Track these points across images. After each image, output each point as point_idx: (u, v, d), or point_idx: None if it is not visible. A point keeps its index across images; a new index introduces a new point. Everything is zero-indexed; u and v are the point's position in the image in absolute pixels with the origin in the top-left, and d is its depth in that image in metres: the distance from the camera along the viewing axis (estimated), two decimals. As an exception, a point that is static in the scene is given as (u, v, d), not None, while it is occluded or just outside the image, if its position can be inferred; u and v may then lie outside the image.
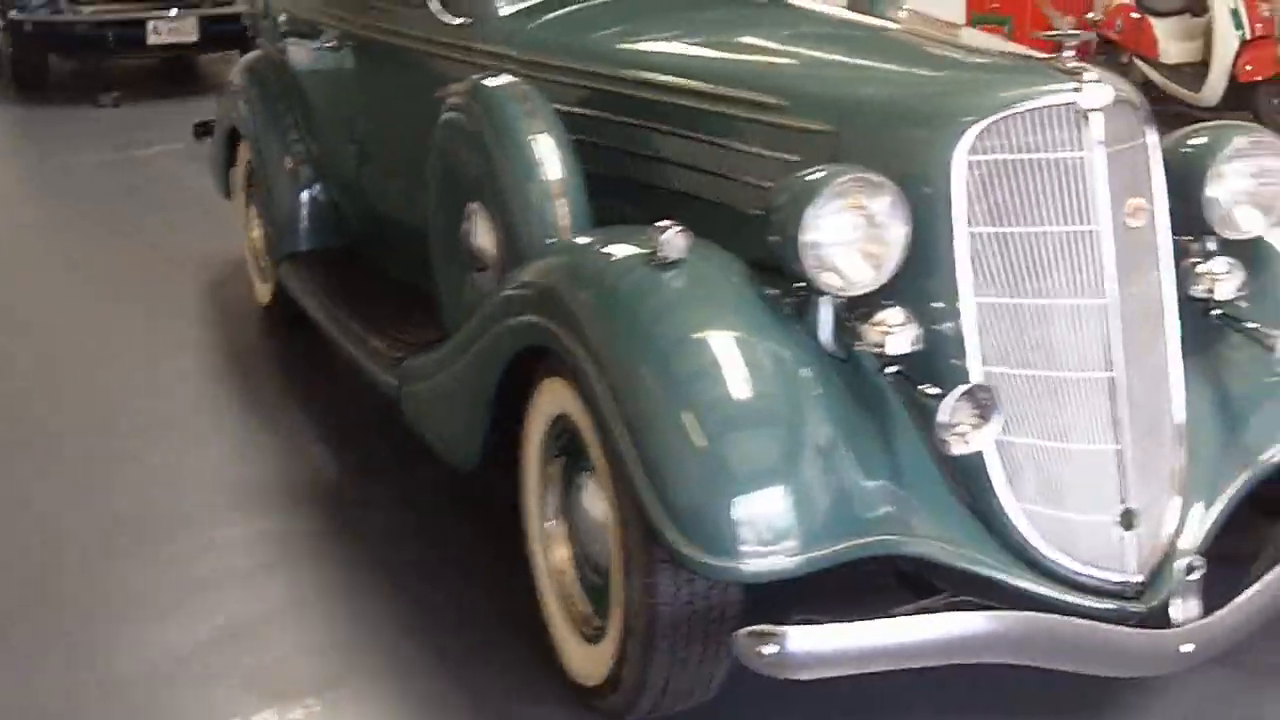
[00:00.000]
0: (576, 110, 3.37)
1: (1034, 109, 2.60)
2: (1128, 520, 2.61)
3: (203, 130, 5.77)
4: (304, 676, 3.02)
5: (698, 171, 3.13)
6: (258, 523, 3.71)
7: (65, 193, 7.54)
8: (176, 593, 3.37)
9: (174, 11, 9.37)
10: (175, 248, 6.17)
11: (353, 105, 4.44)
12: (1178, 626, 2.54)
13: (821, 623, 2.38)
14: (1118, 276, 2.62)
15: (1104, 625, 2.53)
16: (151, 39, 9.38)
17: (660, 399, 2.48)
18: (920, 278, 2.63)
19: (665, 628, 2.54)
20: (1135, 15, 8.28)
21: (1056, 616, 2.51)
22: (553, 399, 2.82)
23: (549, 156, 3.10)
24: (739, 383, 2.49)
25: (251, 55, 5.24)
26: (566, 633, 2.90)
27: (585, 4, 3.66)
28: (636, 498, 2.47)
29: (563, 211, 3.06)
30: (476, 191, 3.27)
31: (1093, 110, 2.60)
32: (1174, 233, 2.98)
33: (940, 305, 2.63)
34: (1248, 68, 7.60)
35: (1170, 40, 8.13)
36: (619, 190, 3.29)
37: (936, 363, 2.61)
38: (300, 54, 4.81)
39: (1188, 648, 2.54)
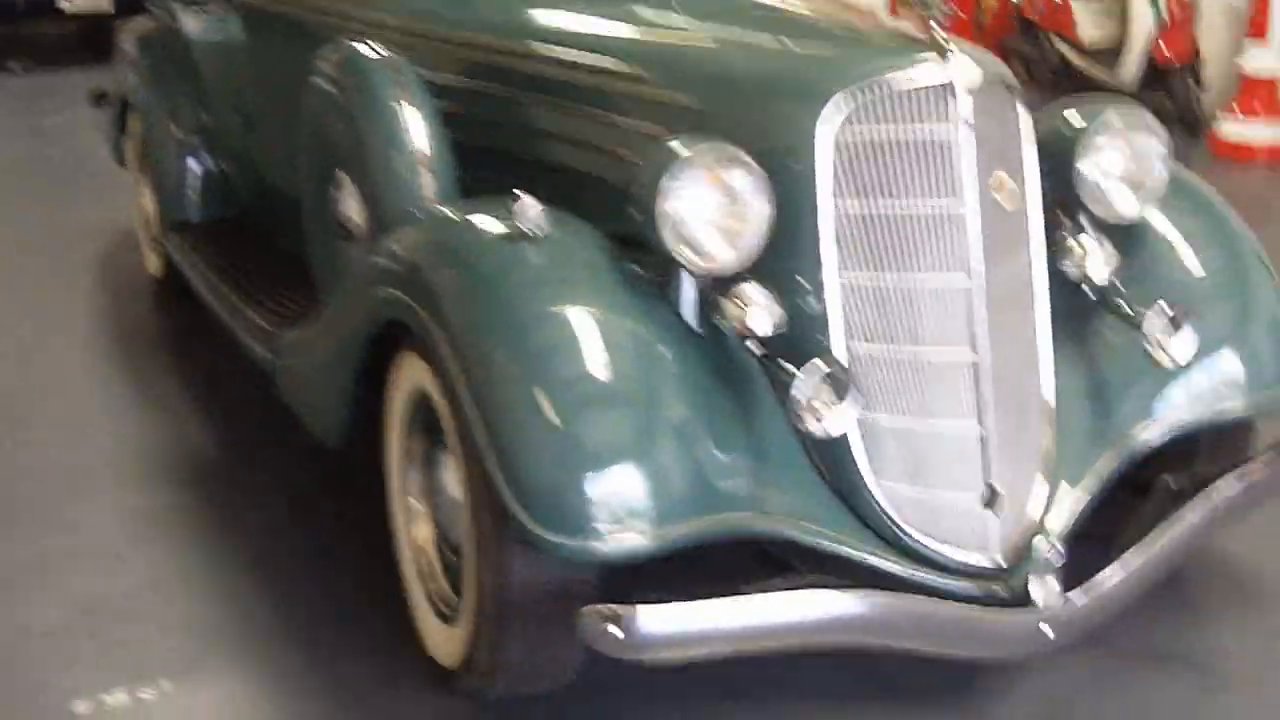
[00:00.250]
0: (453, 80, 3.30)
1: (900, 85, 2.56)
2: (991, 500, 2.59)
3: (100, 98, 5.63)
4: (160, 656, 2.95)
5: (571, 144, 3.07)
6: (128, 499, 3.63)
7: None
8: (34, 569, 3.29)
9: (87, -23, 9.19)
10: (73, 217, 6.05)
11: (239, 74, 4.35)
12: (1038, 608, 2.52)
13: (670, 602, 2.34)
14: (984, 256, 2.59)
15: (962, 606, 2.52)
16: (64, 4, 9.18)
17: (511, 376, 2.42)
18: (785, 255, 2.59)
19: (518, 609, 2.49)
20: (1055, -4, 8.29)
21: (914, 597, 2.50)
22: (411, 374, 2.76)
23: (415, 127, 3.03)
24: (593, 360, 2.44)
25: (142, 23, 5.11)
26: (426, 613, 2.84)
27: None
28: (488, 476, 2.41)
29: (428, 182, 2.99)
30: (344, 161, 3.20)
31: (960, 87, 2.56)
32: (1048, 211, 2.97)
33: (805, 283, 2.59)
34: (1165, 50, 7.61)
35: (1089, 22, 8.13)
36: (496, 162, 3.22)
37: (802, 341, 2.57)
38: (189, 21, 4.70)
39: (1048, 629, 2.53)
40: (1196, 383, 2.90)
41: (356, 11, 3.58)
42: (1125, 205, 2.94)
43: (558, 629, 2.52)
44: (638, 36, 3.08)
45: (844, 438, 2.55)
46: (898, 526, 2.57)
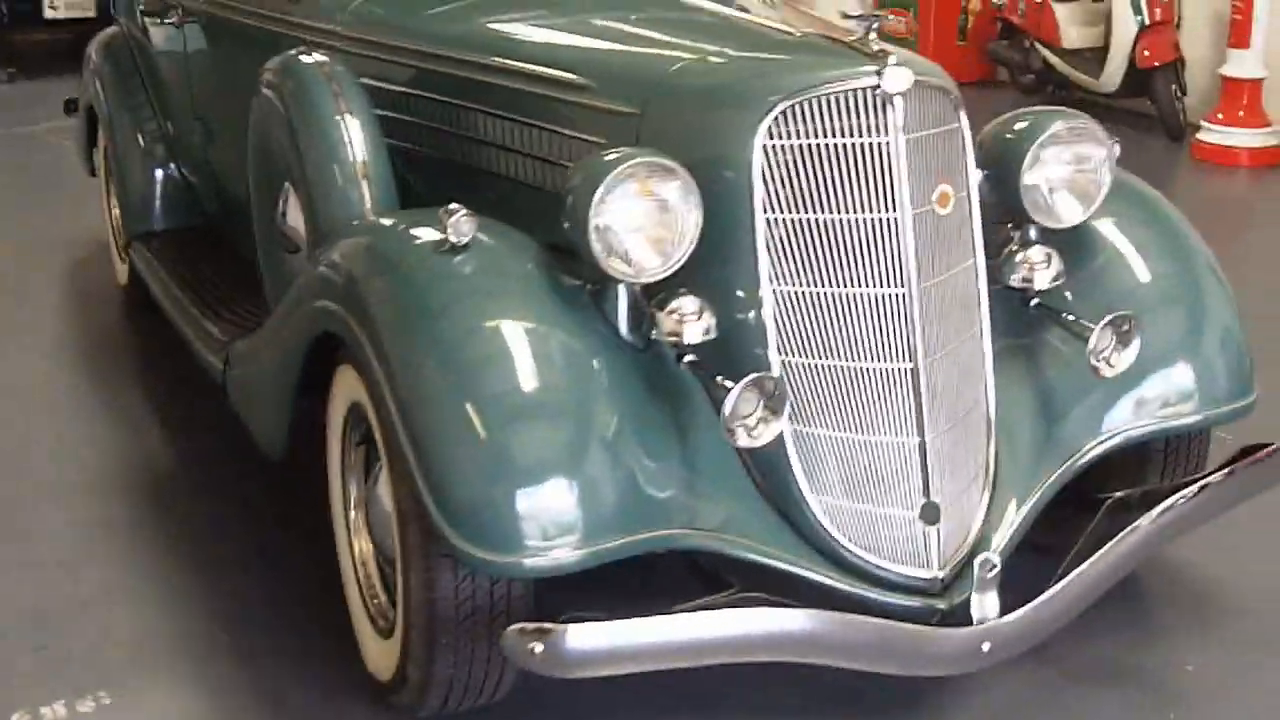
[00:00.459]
0: (399, 89, 3.29)
1: (835, 93, 2.54)
2: (930, 515, 2.56)
3: (74, 106, 5.62)
4: (101, 668, 2.94)
5: (514, 153, 3.06)
6: (82, 510, 3.62)
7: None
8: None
9: (72, -15, 9.19)
10: (48, 226, 6.03)
11: (199, 83, 4.34)
12: (977, 624, 2.49)
13: (597, 620, 2.32)
14: (918, 265, 2.56)
15: (898, 623, 2.48)
16: (49, 13, 9.18)
17: (437, 389, 2.41)
18: (720, 265, 2.57)
19: (447, 624, 2.47)
20: (1037, 0, 8.26)
21: (847, 614, 2.46)
22: (348, 386, 2.74)
23: (355, 137, 3.02)
24: (520, 373, 2.42)
25: (108, 32, 5.12)
26: (366, 627, 2.82)
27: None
28: (414, 490, 2.39)
29: (366, 193, 2.98)
30: (288, 171, 3.18)
31: (895, 95, 2.53)
32: (993, 220, 2.95)
33: (740, 293, 2.57)
34: (1145, 53, 7.58)
35: (1071, 25, 8.12)
36: (445, 172, 3.22)
37: (737, 352, 2.56)
38: (153, 31, 4.70)
39: (986, 646, 2.50)
40: (1145, 394, 2.87)
41: (309, 21, 3.57)
42: (1071, 215, 2.92)
43: (488, 645, 2.50)
44: (581, 46, 3.07)
45: (780, 451, 2.53)
46: (835, 541, 2.54)
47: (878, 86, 2.53)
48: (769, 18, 3.06)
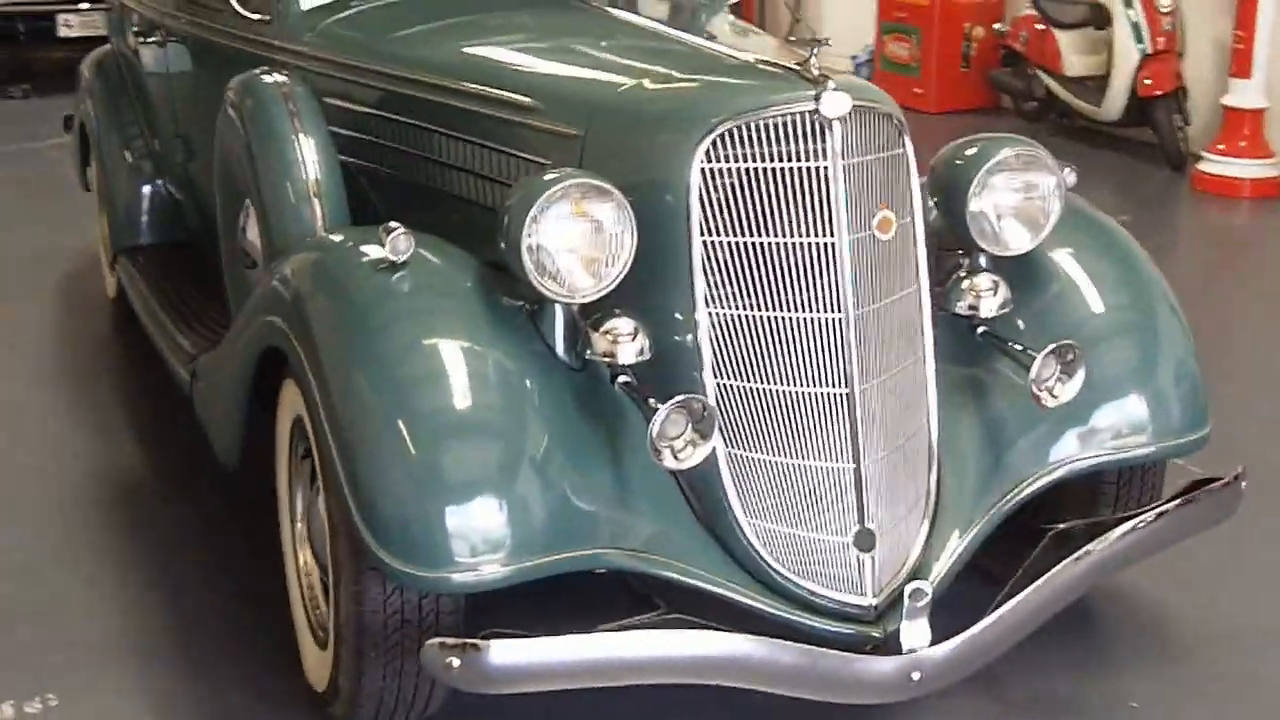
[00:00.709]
0: (362, 108, 3.34)
1: (773, 116, 2.55)
2: (865, 541, 2.56)
3: (71, 122, 5.69)
4: (51, 670, 2.99)
5: (468, 173, 3.09)
6: (47, 517, 3.67)
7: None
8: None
9: (85, 5, 9.27)
10: (47, 239, 6.11)
11: (181, 101, 4.40)
12: (906, 653, 2.48)
13: (517, 636, 2.33)
14: (855, 291, 2.57)
15: (825, 649, 2.47)
16: (62, 31, 9.29)
17: (368, 404, 2.44)
18: (656, 286, 2.59)
19: (375, 637, 2.50)
20: (1040, 27, 8.25)
21: (772, 640, 2.45)
22: (291, 400, 2.77)
23: (309, 156, 3.07)
24: (452, 391, 2.45)
25: (100, 50, 5.21)
26: (307, 637, 2.85)
27: (384, 2, 3.60)
28: (344, 504, 2.41)
29: (319, 210, 3.02)
30: (247, 189, 3.22)
31: (833, 119, 2.55)
32: (941, 247, 2.96)
33: (676, 315, 2.59)
34: (1147, 81, 7.56)
35: (1073, 53, 8.10)
36: (401, 190, 3.26)
37: (672, 374, 2.57)
38: (141, 50, 4.76)
39: (917, 675, 2.49)
40: (1095, 425, 2.85)
41: (279, 41, 3.62)
42: (1018, 243, 2.92)
43: (417, 660, 2.50)
44: (533, 69, 3.11)
45: (714, 473, 2.55)
46: (768, 565, 2.55)
47: (816, 111, 2.54)
48: (723, 44, 3.08)
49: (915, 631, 2.49)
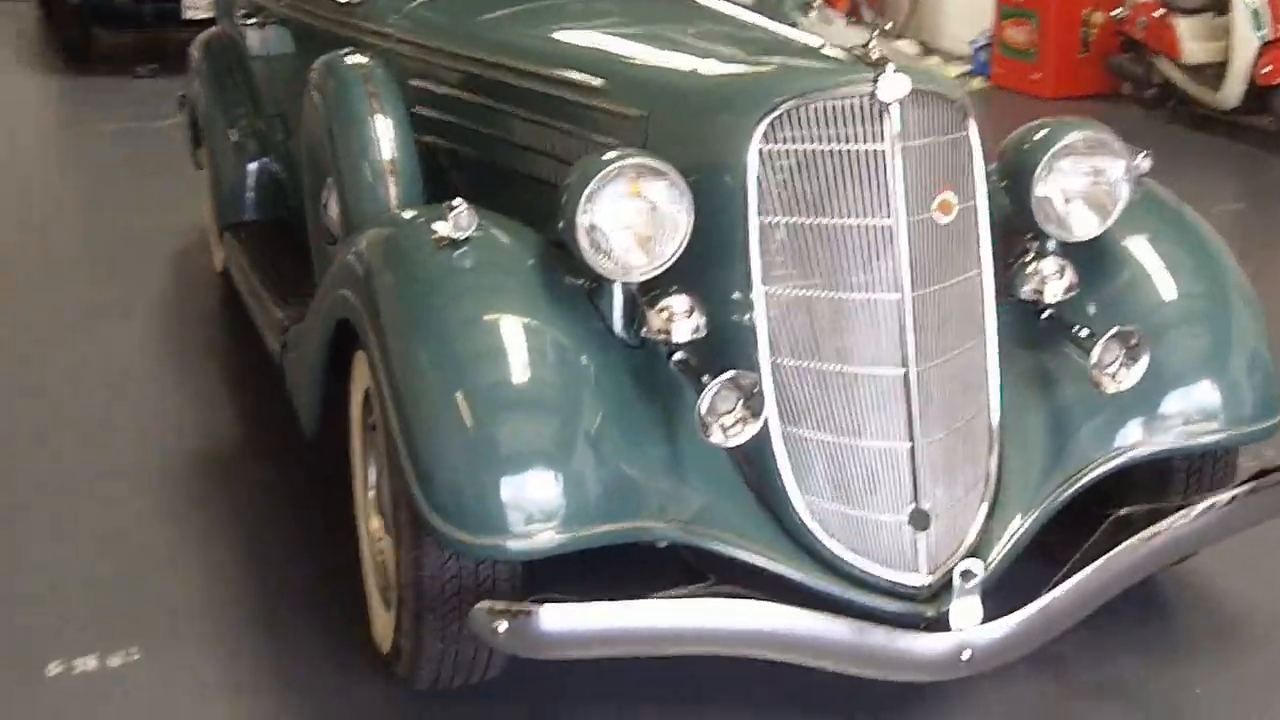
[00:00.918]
0: (443, 89, 3.42)
1: (831, 99, 2.58)
2: (919, 521, 2.57)
3: (185, 102, 5.87)
4: (135, 626, 3.12)
5: (539, 153, 3.16)
6: (142, 481, 3.82)
7: (73, 158, 7.81)
8: (45, 543, 3.50)
9: (210, -13, 9.55)
10: (158, 213, 6.29)
11: (280, 81, 4.54)
12: (956, 632, 2.50)
13: (566, 601, 2.39)
14: (912, 272, 2.58)
15: (874, 625, 2.49)
16: (188, 13, 9.55)
17: (429, 378, 2.51)
18: (713, 265, 2.63)
19: (433, 601, 2.58)
20: (1159, 13, 8.08)
21: (820, 614, 2.48)
22: (362, 372, 2.86)
23: (385, 135, 3.16)
24: (509, 365, 2.51)
25: (209, 32, 5.36)
26: (377, 601, 2.95)
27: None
28: (402, 472, 2.50)
29: (393, 188, 3.11)
30: (329, 167, 3.33)
31: (890, 103, 2.56)
32: (1008, 230, 2.95)
33: (733, 295, 2.62)
34: (1266, 69, 7.38)
35: (1192, 39, 7.92)
36: (478, 169, 3.34)
37: (728, 352, 2.60)
38: (246, 32, 4.91)
39: (967, 654, 2.50)
40: (1162, 411, 2.83)
41: (366, 23, 3.72)
42: (1085, 228, 2.90)
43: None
44: (603, 50, 3.16)
45: (768, 450, 2.58)
46: (821, 542, 2.57)
47: (874, 94, 2.56)
48: (795, 31, 3.10)
49: (966, 610, 2.50)
